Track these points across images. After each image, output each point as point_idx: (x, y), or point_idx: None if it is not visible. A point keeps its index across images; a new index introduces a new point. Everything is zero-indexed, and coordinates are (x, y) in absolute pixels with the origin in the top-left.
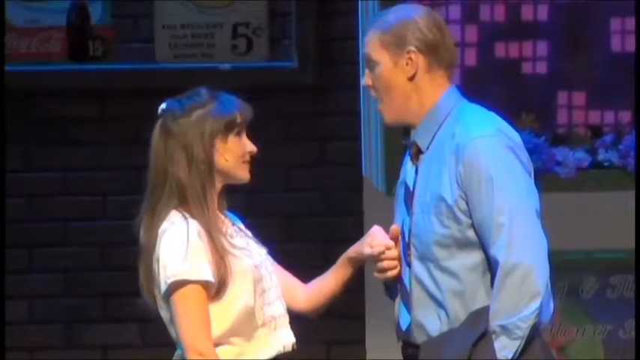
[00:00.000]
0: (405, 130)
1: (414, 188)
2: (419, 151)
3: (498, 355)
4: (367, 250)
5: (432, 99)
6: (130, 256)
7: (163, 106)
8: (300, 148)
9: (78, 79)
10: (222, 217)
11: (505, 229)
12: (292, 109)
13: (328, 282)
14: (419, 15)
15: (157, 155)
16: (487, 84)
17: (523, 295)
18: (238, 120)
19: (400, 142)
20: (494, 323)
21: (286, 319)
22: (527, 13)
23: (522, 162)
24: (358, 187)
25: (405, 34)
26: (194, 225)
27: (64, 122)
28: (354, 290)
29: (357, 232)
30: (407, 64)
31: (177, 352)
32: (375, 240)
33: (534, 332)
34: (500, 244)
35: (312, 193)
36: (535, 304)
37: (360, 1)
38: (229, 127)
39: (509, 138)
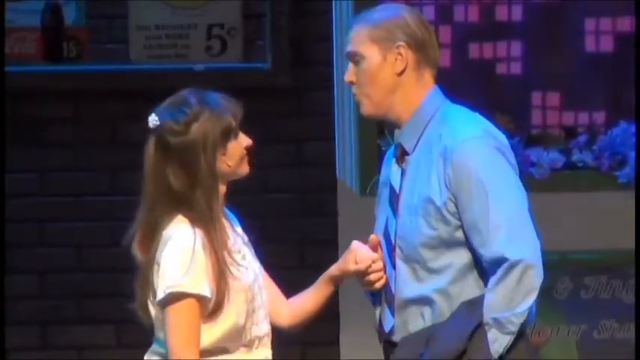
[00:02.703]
0: (380, 131)
1: (400, 190)
2: (404, 153)
3: (490, 348)
4: (353, 267)
5: (417, 98)
6: (106, 257)
7: (156, 120)
8: (274, 149)
9: (52, 80)
10: (226, 223)
11: (503, 229)
12: (266, 110)
13: (310, 300)
14: (406, 13)
15: (157, 173)
16: (461, 85)
17: (520, 291)
18: (233, 125)
19: (375, 142)
20: (487, 315)
21: (269, 338)
22: (501, 13)
23: (510, 163)
24: (333, 188)
25: (395, 30)
26: (200, 235)
27: (39, 123)
28: None
29: (332, 233)
30: (396, 60)
31: (154, 347)
32: (360, 255)
33: (522, 331)
34: (498, 243)
35: (287, 194)
36: (530, 301)
37: (334, 2)
38: (227, 136)
39: (497, 139)
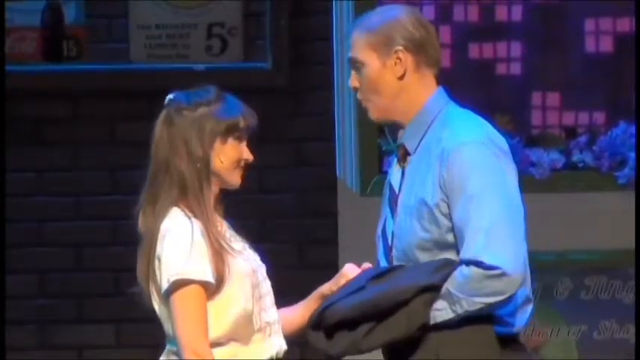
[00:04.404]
0: (380, 130)
1: (399, 190)
2: (406, 153)
3: (431, 312)
4: None
5: (420, 99)
6: (105, 257)
7: (170, 96)
8: (274, 149)
9: (52, 80)
10: (220, 219)
11: (482, 234)
12: (266, 110)
13: (299, 315)
14: (403, 14)
15: (159, 145)
16: (461, 85)
17: (484, 287)
18: (240, 125)
19: (375, 142)
20: (446, 284)
21: (280, 326)
22: (501, 13)
23: (508, 170)
24: (333, 188)
25: (392, 34)
26: (198, 224)
27: (39, 122)
28: None
29: (332, 233)
30: (395, 64)
31: (169, 347)
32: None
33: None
34: (476, 247)
35: (287, 194)
36: (491, 300)
37: (334, 2)
38: (230, 130)
39: (497, 145)
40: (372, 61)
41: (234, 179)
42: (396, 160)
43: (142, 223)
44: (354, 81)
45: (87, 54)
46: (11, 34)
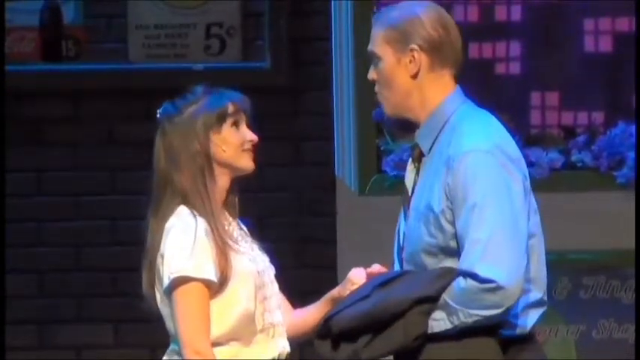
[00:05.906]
0: (379, 130)
1: (412, 192)
2: (421, 154)
3: (430, 323)
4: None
5: (436, 99)
6: (105, 257)
7: (160, 110)
8: (273, 148)
9: (51, 80)
10: (230, 219)
11: (480, 245)
12: (265, 109)
13: (311, 317)
14: (424, 12)
15: (158, 159)
16: (460, 85)
17: (480, 300)
18: (230, 110)
19: (373, 142)
20: (444, 294)
21: (284, 328)
22: (500, 13)
23: (514, 179)
24: (331, 187)
25: (410, 32)
26: (202, 222)
27: (38, 122)
28: (325, 290)
29: (331, 232)
30: (410, 62)
31: (172, 347)
32: (356, 286)
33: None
34: (472, 258)
35: (285, 193)
36: (488, 313)
37: (332, 2)
38: (221, 118)
39: (504, 153)
40: (387, 56)
41: (244, 163)
42: (410, 159)
43: (148, 234)
44: (371, 73)
45: (86, 54)
46: (10, 34)
